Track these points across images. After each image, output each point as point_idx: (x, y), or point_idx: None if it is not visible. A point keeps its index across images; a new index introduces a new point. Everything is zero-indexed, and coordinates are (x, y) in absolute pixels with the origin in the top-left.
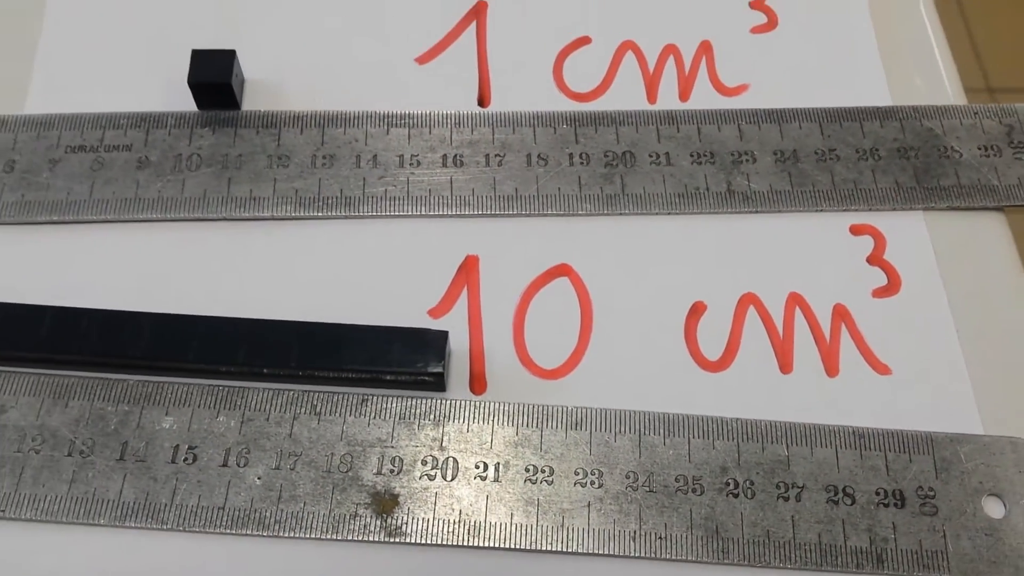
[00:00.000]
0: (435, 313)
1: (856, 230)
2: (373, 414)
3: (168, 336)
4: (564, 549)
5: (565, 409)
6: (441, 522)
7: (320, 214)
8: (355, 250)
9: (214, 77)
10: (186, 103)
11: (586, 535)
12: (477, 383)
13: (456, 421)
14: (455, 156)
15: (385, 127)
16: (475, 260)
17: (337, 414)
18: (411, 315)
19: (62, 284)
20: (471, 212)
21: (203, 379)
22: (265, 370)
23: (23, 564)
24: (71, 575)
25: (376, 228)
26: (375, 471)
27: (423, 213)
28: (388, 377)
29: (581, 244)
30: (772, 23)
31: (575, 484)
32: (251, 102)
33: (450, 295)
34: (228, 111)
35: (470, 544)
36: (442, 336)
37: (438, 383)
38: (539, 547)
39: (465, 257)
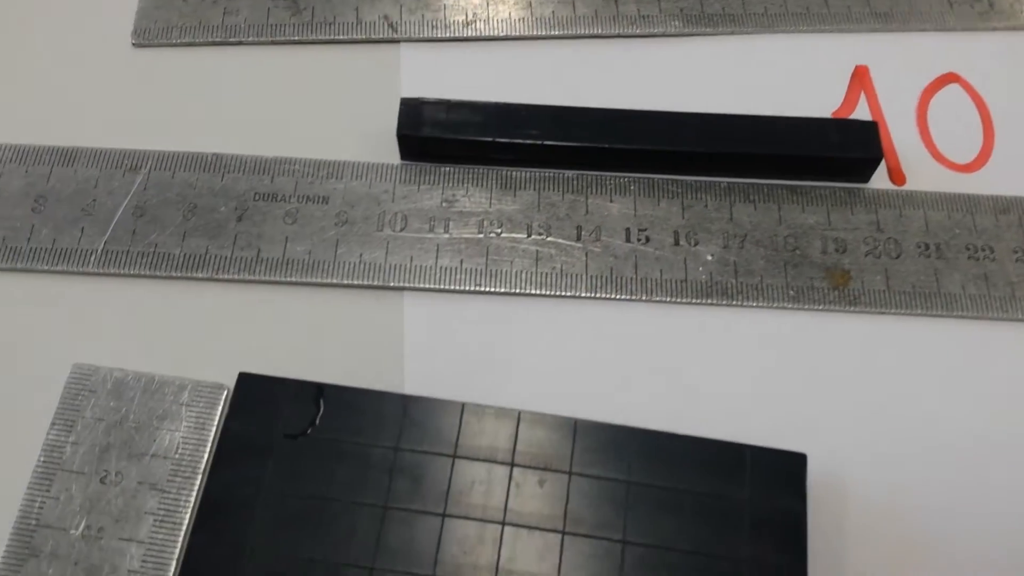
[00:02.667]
0: (839, 114)
1: None
2: (805, 202)
3: (611, 127)
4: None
5: (992, 197)
6: (896, 293)
7: (708, 30)
8: (744, 64)
9: None
10: None
11: None
12: (896, 175)
13: (886, 208)
14: None
15: None
16: (865, 69)
17: (772, 202)
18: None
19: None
20: (850, 28)
21: (637, 173)
22: (709, 160)
23: (505, 325)
24: (548, 334)
25: (760, 43)
26: (821, 251)
27: (804, 29)
28: (824, 163)
29: (963, 57)
30: None
31: (1016, 261)
32: None
33: (849, 99)
34: None
35: (928, 313)
36: (873, 126)
37: (867, 172)
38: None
39: (855, 67)
